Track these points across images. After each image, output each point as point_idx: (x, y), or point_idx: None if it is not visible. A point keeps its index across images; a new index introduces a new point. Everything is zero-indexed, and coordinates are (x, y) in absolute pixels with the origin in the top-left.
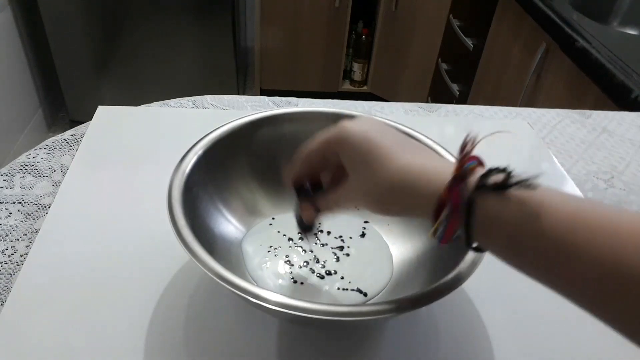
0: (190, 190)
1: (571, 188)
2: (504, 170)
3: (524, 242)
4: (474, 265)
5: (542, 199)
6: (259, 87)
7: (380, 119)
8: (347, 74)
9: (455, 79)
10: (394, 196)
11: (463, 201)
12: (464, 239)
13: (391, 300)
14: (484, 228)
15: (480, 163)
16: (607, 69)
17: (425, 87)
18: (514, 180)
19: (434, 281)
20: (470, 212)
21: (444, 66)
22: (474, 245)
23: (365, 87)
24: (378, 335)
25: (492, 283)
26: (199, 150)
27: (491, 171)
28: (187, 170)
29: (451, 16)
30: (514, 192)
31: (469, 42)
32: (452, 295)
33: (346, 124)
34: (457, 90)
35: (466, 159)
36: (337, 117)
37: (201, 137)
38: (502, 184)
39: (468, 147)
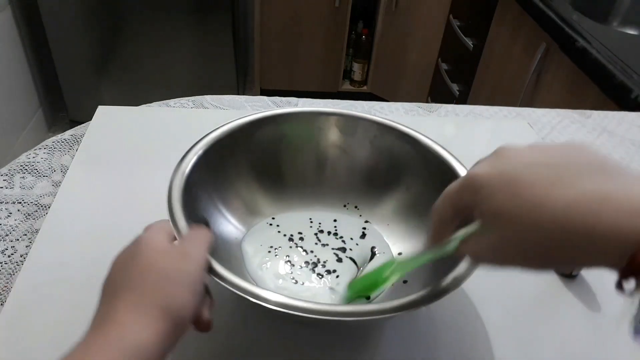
0: (190, 190)
1: None
2: None
3: None
4: (473, 265)
5: None
6: (259, 87)
7: (518, 147)
8: (347, 74)
9: (455, 79)
10: (559, 245)
11: None
12: None
13: (391, 300)
14: None
15: None
16: (607, 69)
17: (425, 87)
18: None
19: (434, 282)
20: None
21: (444, 66)
22: None
23: (365, 87)
24: (378, 335)
25: (492, 283)
26: (199, 150)
27: None
28: (187, 170)
29: (451, 16)
30: None
31: (469, 42)
32: (452, 295)
33: (477, 171)
34: (457, 90)
35: None
36: (337, 117)
37: (201, 137)
38: None
39: None
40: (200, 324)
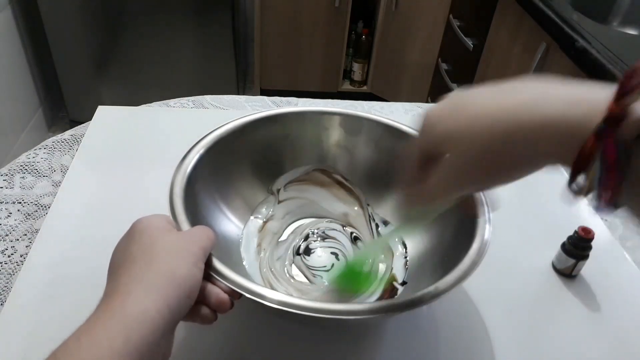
0: (192, 188)
1: None
2: None
3: None
4: (474, 264)
5: None
6: (259, 87)
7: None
8: (347, 74)
9: (455, 79)
10: (510, 146)
11: (620, 156)
12: (609, 201)
13: (391, 299)
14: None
15: None
16: (607, 69)
17: (425, 87)
18: None
19: (434, 281)
20: (628, 171)
21: (444, 66)
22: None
23: (365, 87)
24: (379, 334)
25: (492, 283)
26: (201, 149)
27: None
28: (189, 167)
29: (451, 16)
30: None
31: (469, 42)
32: (453, 294)
33: (428, 109)
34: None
35: (631, 84)
36: (341, 117)
37: (202, 136)
38: None
39: (632, 73)
40: (216, 304)
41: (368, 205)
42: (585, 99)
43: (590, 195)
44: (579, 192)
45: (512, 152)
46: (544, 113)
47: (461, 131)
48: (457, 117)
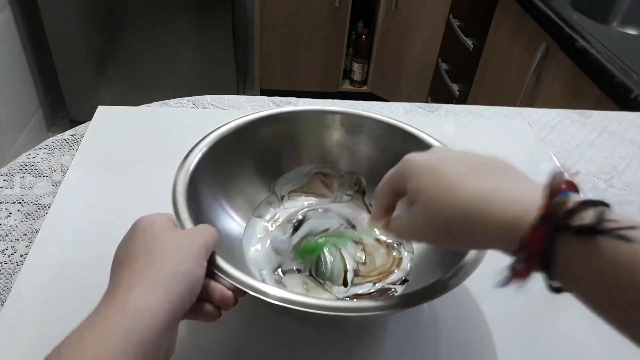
0: (195, 186)
1: None
2: (599, 204)
3: (614, 295)
4: (475, 262)
5: (637, 253)
6: (259, 87)
7: (450, 149)
8: (347, 74)
9: (455, 79)
10: (461, 226)
11: (542, 247)
12: (546, 283)
13: (393, 296)
14: (565, 276)
15: (575, 189)
16: (607, 69)
17: (425, 87)
18: (606, 224)
19: (436, 278)
20: (550, 259)
21: (444, 66)
22: (556, 286)
23: (365, 87)
24: (381, 331)
25: (494, 280)
26: (203, 148)
27: (582, 206)
28: (192, 166)
29: (451, 16)
30: (604, 240)
31: (469, 42)
32: (454, 292)
33: (410, 156)
34: (457, 90)
35: (558, 188)
36: (339, 116)
37: (204, 135)
38: (592, 226)
39: (558, 177)
40: (220, 301)
41: (370, 204)
42: (527, 198)
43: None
44: (516, 274)
45: (464, 233)
46: (497, 208)
47: (433, 198)
48: (435, 181)
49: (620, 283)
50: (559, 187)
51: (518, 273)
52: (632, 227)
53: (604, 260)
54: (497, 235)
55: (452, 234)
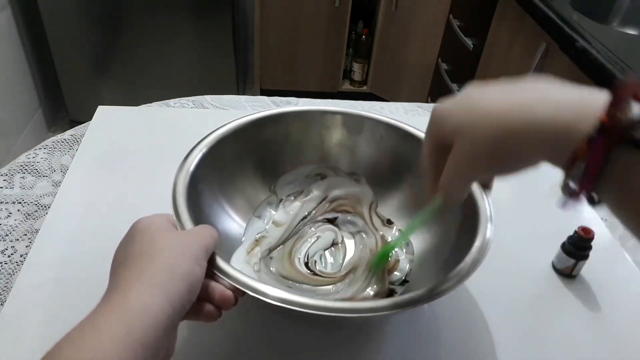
0: (195, 187)
1: None
2: None
3: None
4: (475, 263)
5: None
6: (259, 87)
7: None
8: (347, 74)
9: (455, 79)
10: (507, 142)
11: (602, 161)
12: (588, 197)
13: (393, 297)
14: (615, 189)
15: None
16: (607, 69)
17: (425, 87)
18: None
19: (436, 279)
20: (607, 172)
21: (444, 66)
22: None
23: (365, 87)
24: (381, 332)
25: (494, 282)
26: (203, 148)
27: None
28: (192, 166)
29: (451, 16)
30: None
31: (469, 42)
32: (454, 293)
33: (437, 105)
34: (457, 90)
35: (624, 95)
36: (339, 116)
37: (204, 135)
38: None
39: (623, 85)
40: (220, 301)
41: (371, 203)
42: (578, 105)
43: (565, 189)
44: (573, 194)
45: (511, 148)
46: (537, 117)
47: (470, 124)
48: (468, 111)
49: None
50: (623, 96)
51: (574, 193)
52: None
53: None
54: (546, 144)
55: (499, 155)
